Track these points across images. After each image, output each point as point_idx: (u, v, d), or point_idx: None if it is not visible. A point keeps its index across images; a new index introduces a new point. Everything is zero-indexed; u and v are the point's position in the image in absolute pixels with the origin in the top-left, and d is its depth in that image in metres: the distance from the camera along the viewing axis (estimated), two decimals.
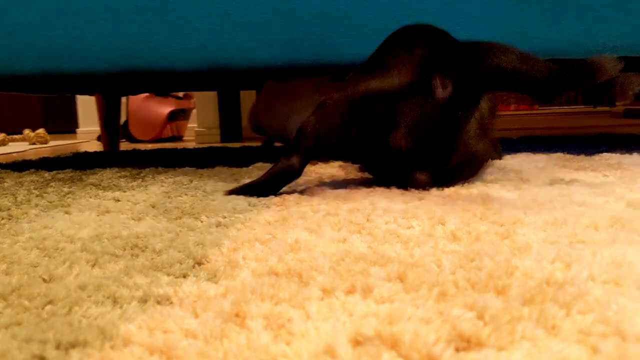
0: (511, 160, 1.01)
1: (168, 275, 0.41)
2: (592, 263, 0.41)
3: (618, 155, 1.03)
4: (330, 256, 0.43)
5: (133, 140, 2.68)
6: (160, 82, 1.78)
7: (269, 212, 0.63)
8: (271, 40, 0.97)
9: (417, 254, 0.44)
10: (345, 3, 0.94)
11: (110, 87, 1.53)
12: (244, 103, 2.31)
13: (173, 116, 2.64)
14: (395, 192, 0.73)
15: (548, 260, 0.41)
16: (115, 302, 0.36)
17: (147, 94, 2.58)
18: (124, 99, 2.62)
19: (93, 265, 0.44)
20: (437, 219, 0.56)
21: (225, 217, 0.59)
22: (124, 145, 2.25)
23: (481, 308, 0.32)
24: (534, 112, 3.38)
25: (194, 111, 2.59)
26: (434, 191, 0.72)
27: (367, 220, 0.56)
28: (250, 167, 1.04)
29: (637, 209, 0.58)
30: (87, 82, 1.25)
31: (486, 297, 0.34)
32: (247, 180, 0.84)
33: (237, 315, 0.33)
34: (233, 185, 0.80)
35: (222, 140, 2.27)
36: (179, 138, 2.75)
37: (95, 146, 2.20)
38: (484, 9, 0.87)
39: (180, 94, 2.70)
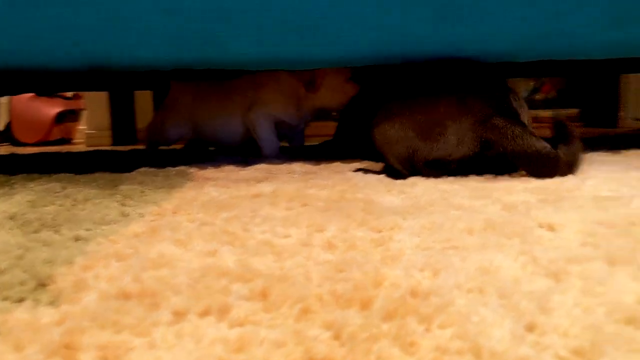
0: None
1: (4, 299, 0.37)
2: (460, 270, 0.40)
3: None
4: (192, 272, 0.40)
5: (17, 143, 2.49)
6: (42, 82, 1.66)
7: (139, 222, 0.58)
8: (156, 38, 0.92)
9: (287, 266, 0.42)
10: (231, 2, 0.91)
11: None
12: (140, 104, 2.21)
13: (61, 117, 2.48)
14: (282, 197, 0.70)
15: (417, 268, 0.40)
16: None
17: (32, 94, 2.41)
18: (3, 100, 2.43)
19: None
20: (317, 227, 0.54)
21: (88, 230, 0.54)
22: (5, 149, 2.09)
23: (340, 326, 0.30)
24: None
25: (85, 112, 2.45)
26: (321, 196, 0.71)
27: (244, 229, 0.53)
28: (133, 172, 0.98)
29: (511, 212, 0.59)
30: None
31: (348, 312, 0.33)
32: (126, 187, 0.79)
33: (67, 347, 0.29)
34: (109, 193, 0.75)
35: (115, 143, 2.16)
36: (67, 140, 2.59)
37: None
38: (368, 8, 0.87)
39: (70, 94, 2.55)
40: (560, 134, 0.85)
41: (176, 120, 1.36)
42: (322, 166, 1.00)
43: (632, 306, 0.33)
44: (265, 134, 1.22)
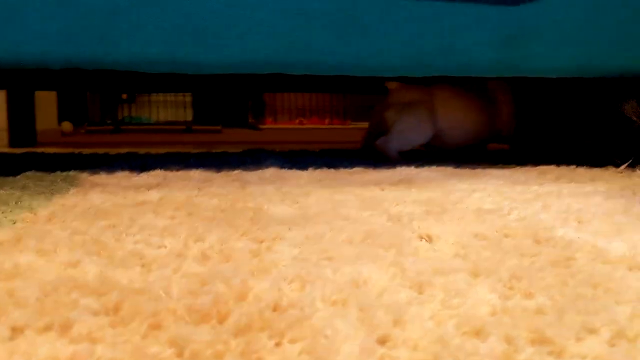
0: (311, 172, 1.01)
1: None
2: (329, 282, 0.40)
3: (412, 169, 1.07)
4: (45, 285, 0.38)
5: None
6: None
7: (7, 230, 0.54)
8: (43, 34, 0.87)
9: (151, 278, 0.40)
10: (127, 1, 0.87)
11: None
12: (42, 105, 2.09)
13: None
14: (168, 205, 0.68)
15: (286, 281, 0.40)
16: None
17: None
18: None
19: None
20: (196, 237, 0.52)
21: None
22: None
23: (185, 342, 0.29)
24: (348, 126, 3.53)
25: None
26: (210, 205, 0.69)
27: (116, 239, 0.51)
28: (19, 176, 0.92)
29: (394, 222, 0.60)
30: None
31: (200, 328, 0.31)
32: (4, 192, 0.73)
33: None
34: None
35: (11, 145, 2.03)
36: None
37: None
38: (270, 17, 0.87)
39: None
40: None
41: None
42: (222, 174, 0.98)
43: (484, 318, 0.34)
44: None
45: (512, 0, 0.94)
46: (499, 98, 1.37)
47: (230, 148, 1.59)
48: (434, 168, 1.08)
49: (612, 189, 0.82)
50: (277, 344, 0.30)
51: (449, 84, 1.31)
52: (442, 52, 0.92)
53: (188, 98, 3.34)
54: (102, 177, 0.91)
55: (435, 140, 1.31)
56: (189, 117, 3.35)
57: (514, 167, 1.12)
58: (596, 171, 1.05)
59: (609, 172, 1.03)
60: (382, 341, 0.31)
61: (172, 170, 0.99)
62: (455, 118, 1.30)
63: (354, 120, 3.61)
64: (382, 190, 0.84)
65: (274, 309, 0.35)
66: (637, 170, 1.04)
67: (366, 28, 0.92)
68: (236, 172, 0.99)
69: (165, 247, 0.49)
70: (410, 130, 1.26)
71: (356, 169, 1.07)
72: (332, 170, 1.04)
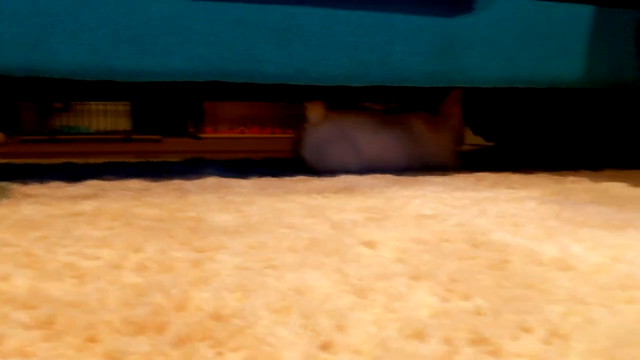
0: (254, 181, 1.01)
1: None
2: (272, 290, 0.40)
3: (355, 177, 1.08)
4: None
5: None
6: None
7: None
8: None
9: (85, 290, 0.39)
10: (61, 7, 0.84)
11: None
12: None
13: None
14: (104, 216, 0.66)
15: (229, 290, 0.39)
16: None
17: None
18: None
19: None
20: (133, 247, 0.51)
21: None
22: None
23: (121, 355, 0.28)
24: (289, 136, 3.53)
25: None
26: (149, 215, 0.67)
27: (49, 251, 0.49)
28: None
29: (337, 230, 0.61)
30: None
31: (138, 339, 0.30)
32: None
33: None
34: None
35: None
36: None
37: None
38: (209, 26, 0.86)
39: None
40: None
41: None
42: (161, 183, 0.96)
43: (424, 320, 0.34)
44: None
45: (445, 12, 0.97)
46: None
47: (170, 157, 1.56)
48: (376, 176, 1.09)
49: (545, 195, 0.86)
50: (219, 354, 0.29)
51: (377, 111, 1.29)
52: (380, 62, 0.94)
53: (127, 107, 3.26)
54: (35, 188, 0.88)
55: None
56: (128, 127, 3.27)
57: (453, 174, 1.15)
58: (530, 177, 1.09)
59: (542, 178, 1.07)
60: (325, 347, 0.31)
61: (109, 180, 0.96)
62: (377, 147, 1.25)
63: (296, 130, 3.61)
64: (325, 198, 0.84)
65: (216, 319, 0.34)
66: (569, 176, 1.09)
67: (306, 38, 0.93)
68: (176, 182, 0.97)
69: (101, 258, 0.47)
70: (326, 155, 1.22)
71: (299, 178, 1.07)
72: (274, 179, 1.04)
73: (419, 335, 0.32)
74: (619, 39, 1.11)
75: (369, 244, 0.54)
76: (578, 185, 0.96)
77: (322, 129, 1.21)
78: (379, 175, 1.10)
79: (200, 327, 0.32)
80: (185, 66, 0.89)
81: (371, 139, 1.23)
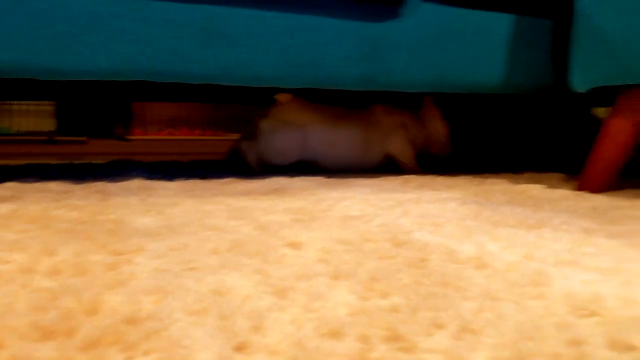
0: (180, 183, 0.99)
1: None
2: (190, 292, 0.39)
3: (286, 178, 1.08)
4: None
5: None
6: None
7: None
8: None
9: None
10: None
11: None
12: None
13: None
14: (21, 218, 0.63)
15: (145, 293, 0.38)
16: None
17: None
18: None
19: None
20: (48, 251, 0.49)
21: None
22: None
23: None
24: (220, 137, 3.49)
25: None
26: (68, 217, 0.65)
27: None
28: None
29: (262, 231, 0.60)
30: None
31: (44, 345, 0.29)
32: None
33: None
34: None
35: None
36: None
37: None
38: (133, 24, 0.84)
39: None
40: None
41: None
42: (83, 185, 0.92)
43: (342, 319, 0.35)
44: None
45: (372, 16, 0.99)
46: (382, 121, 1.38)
47: (95, 159, 1.51)
48: (306, 178, 1.10)
49: (466, 196, 0.88)
50: (129, 357, 0.28)
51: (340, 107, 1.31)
52: (309, 65, 0.94)
53: (51, 107, 3.13)
54: None
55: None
56: (52, 127, 3.14)
57: (382, 176, 1.17)
58: (454, 179, 1.12)
59: (464, 181, 1.11)
60: (240, 348, 0.31)
61: (28, 182, 0.92)
62: (329, 141, 1.27)
63: (226, 131, 3.57)
64: (254, 200, 0.84)
65: (130, 322, 0.33)
66: (490, 179, 1.13)
67: (233, 39, 0.92)
68: (99, 184, 0.94)
69: (13, 262, 0.45)
70: (275, 148, 1.24)
71: (228, 180, 1.06)
72: (202, 181, 1.03)
73: (336, 333, 0.32)
74: (536, 46, 1.17)
75: (294, 245, 0.54)
76: (497, 187, 1.00)
77: (272, 121, 1.24)
78: (310, 177, 1.10)
79: (112, 331, 0.31)
80: (109, 65, 0.86)
81: (321, 132, 1.26)
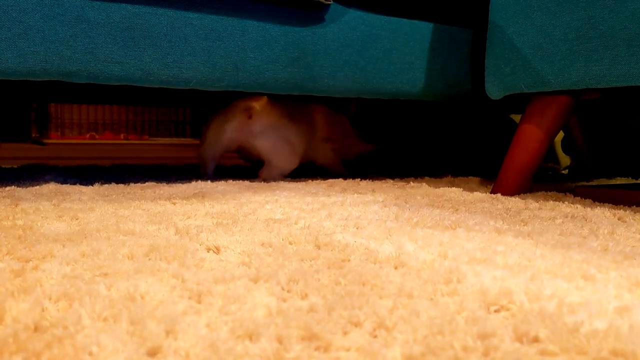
0: (97, 188, 0.95)
1: None
2: (100, 298, 0.37)
3: (208, 183, 1.06)
4: None
5: None
6: None
7: None
8: None
9: None
10: None
11: None
12: None
13: None
14: None
15: (51, 300, 0.37)
16: None
17: None
18: None
19: None
20: None
21: None
22: None
23: None
24: (145, 142, 3.40)
25: None
26: None
27: None
28: None
29: (181, 235, 0.59)
30: None
31: None
32: None
33: None
34: None
35: None
36: None
37: None
38: (45, 22, 0.80)
39: None
40: None
41: None
42: None
43: (259, 320, 0.34)
44: None
45: (298, 21, 1.00)
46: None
47: (8, 164, 1.43)
48: (230, 182, 1.09)
49: (388, 199, 0.90)
50: None
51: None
52: (234, 68, 0.93)
53: None
54: None
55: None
56: None
57: (306, 180, 1.17)
58: (377, 183, 1.14)
59: (388, 184, 1.13)
60: (152, 353, 0.30)
61: None
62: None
63: (152, 135, 3.48)
64: (174, 204, 0.82)
65: (34, 330, 0.31)
66: (411, 182, 1.16)
67: (155, 40, 0.90)
68: (8, 189, 0.89)
69: None
70: (286, 158, 1.21)
71: (148, 184, 1.03)
72: (121, 185, 0.99)
73: (251, 335, 0.32)
74: (456, 54, 1.21)
75: (215, 249, 0.53)
76: (418, 190, 1.03)
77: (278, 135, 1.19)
78: (234, 182, 1.09)
79: (15, 340, 0.29)
80: (18, 63, 0.82)
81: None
